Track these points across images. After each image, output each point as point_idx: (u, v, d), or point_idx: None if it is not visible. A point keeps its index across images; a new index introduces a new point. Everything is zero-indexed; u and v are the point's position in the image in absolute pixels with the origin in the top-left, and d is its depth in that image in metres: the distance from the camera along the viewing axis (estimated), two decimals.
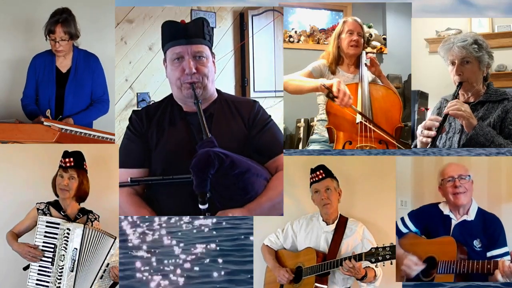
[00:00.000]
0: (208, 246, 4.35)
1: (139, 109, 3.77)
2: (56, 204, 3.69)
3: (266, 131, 3.62)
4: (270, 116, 3.69)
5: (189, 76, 3.48)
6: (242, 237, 4.36)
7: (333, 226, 3.76)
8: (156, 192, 3.56)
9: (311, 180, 3.79)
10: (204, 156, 3.30)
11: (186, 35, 3.49)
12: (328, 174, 3.77)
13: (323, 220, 3.80)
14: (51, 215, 3.65)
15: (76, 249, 3.57)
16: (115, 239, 3.68)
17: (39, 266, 3.59)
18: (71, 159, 3.65)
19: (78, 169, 3.67)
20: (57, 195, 3.70)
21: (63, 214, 3.67)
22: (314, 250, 3.73)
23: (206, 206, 3.29)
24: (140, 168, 3.58)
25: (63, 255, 3.56)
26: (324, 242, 3.76)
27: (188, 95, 3.51)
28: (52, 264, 3.58)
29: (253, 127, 3.60)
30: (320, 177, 3.75)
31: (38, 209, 3.66)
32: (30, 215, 3.68)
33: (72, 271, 3.57)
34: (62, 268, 3.56)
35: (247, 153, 3.55)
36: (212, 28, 3.65)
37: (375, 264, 3.57)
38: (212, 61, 3.59)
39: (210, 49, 3.58)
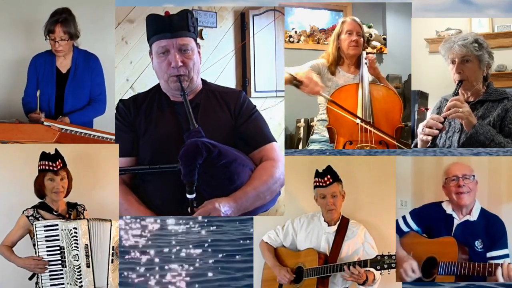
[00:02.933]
0: (208, 248, 4.36)
1: (126, 98, 3.79)
2: (43, 206, 3.63)
3: (252, 121, 3.65)
4: (255, 106, 3.73)
5: (175, 69, 3.52)
6: (243, 241, 4.37)
7: (334, 228, 3.75)
8: (143, 181, 3.58)
9: (317, 184, 3.74)
10: (192, 146, 3.34)
11: (171, 28, 3.52)
12: (335, 178, 3.73)
13: (325, 221, 3.79)
14: (43, 218, 3.60)
15: (87, 245, 3.57)
16: (110, 222, 3.66)
17: (50, 271, 3.57)
18: (60, 161, 3.62)
19: (65, 168, 3.65)
20: (41, 197, 3.64)
21: (56, 214, 3.63)
22: (315, 251, 3.72)
23: (194, 195, 3.33)
24: (128, 157, 3.62)
25: (77, 254, 3.55)
26: (325, 243, 3.75)
27: (175, 88, 3.56)
28: (63, 266, 3.57)
29: (239, 116, 3.64)
30: (328, 183, 3.71)
31: (28, 216, 3.59)
32: (21, 224, 3.61)
33: (88, 266, 3.57)
34: (79, 267, 3.56)
35: (233, 143, 3.58)
36: (197, 19, 3.66)
37: (380, 271, 3.58)
38: (198, 51, 3.61)
39: (195, 40, 3.61)
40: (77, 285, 3.54)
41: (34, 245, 3.58)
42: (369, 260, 3.57)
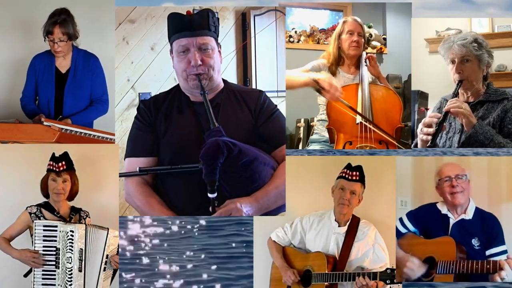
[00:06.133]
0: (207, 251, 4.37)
1: (147, 99, 3.79)
2: (47, 206, 3.66)
3: (272, 120, 3.63)
4: (276, 106, 3.71)
5: (195, 68, 3.50)
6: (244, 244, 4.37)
7: (345, 228, 3.70)
8: (164, 182, 3.57)
9: (343, 175, 3.69)
10: (213, 145, 3.32)
11: (191, 27, 3.50)
12: (362, 179, 3.70)
13: (335, 220, 3.74)
14: (44, 218, 3.62)
15: (82, 249, 3.58)
16: (107, 230, 3.67)
17: (43, 270, 3.60)
18: (63, 162, 3.64)
19: (69, 171, 3.67)
20: (46, 197, 3.67)
21: (57, 215, 3.65)
22: (324, 256, 3.67)
23: (215, 194, 3.31)
24: (149, 157, 3.59)
25: (70, 257, 3.57)
26: (334, 244, 3.70)
27: (194, 86, 3.54)
28: (57, 267, 3.58)
29: (259, 116, 3.62)
30: (354, 178, 3.67)
31: (30, 213, 3.62)
32: (21, 219, 3.64)
33: (80, 271, 3.58)
34: (71, 270, 3.57)
35: (254, 143, 3.56)
36: (218, 18, 3.65)
37: (389, 286, 3.57)
38: (218, 51, 3.60)
39: (216, 40, 3.59)
40: (67, 287, 3.56)
41: (32, 242, 3.60)
42: (379, 273, 3.54)
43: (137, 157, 3.58)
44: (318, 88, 4.07)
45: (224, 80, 3.70)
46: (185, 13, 3.56)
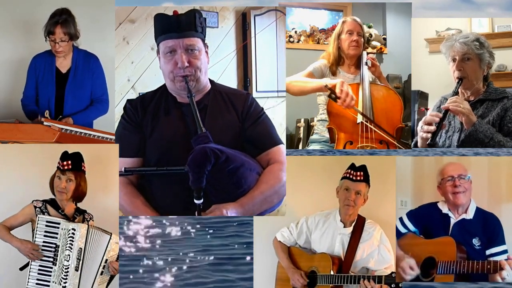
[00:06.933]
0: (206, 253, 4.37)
1: (134, 98, 3.78)
2: (53, 203, 3.66)
3: (259, 123, 3.64)
4: (263, 108, 3.71)
5: (181, 70, 3.51)
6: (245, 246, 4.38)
7: (350, 229, 3.70)
8: (149, 182, 3.57)
9: (347, 176, 3.69)
10: (201, 153, 3.33)
11: (178, 28, 3.50)
12: (366, 179, 3.69)
13: (340, 221, 3.74)
14: (48, 214, 3.63)
15: (81, 248, 3.58)
16: (110, 235, 3.68)
17: (40, 266, 3.60)
18: (69, 162, 3.63)
19: (75, 171, 3.65)
20: (54, 194, 3.68)
21: (61, 213, 3.65)
22: (329, 257, 3.67)
23: (201, 201, 3.33)
24: (135, 158, 3.60)
25: (69, 255, 3.57)
26: (339, 244, 3.70)
27: (181, 88, 3.54)
28: (54, 264, 3.58)
29: (246, 119, 3.63)
30: (359, 178, 3.66)
31: (35, 207, 3.63)
32: (26, 211, 3.64)
33: (77, 270, 3.58)
34: (68, 268, 3.57)
35: (240, 145, 3.57)
36: (205, 18, 3.63)
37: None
38: (205, 51, 3.60)
39: (203, 40, 3.59)
40: (61, 285, 3.56)
41: (32, 236, 3.60)
42: (384, 277, 3.55)
43: (122, 157, 3.60)
44: (334, 96, 4.05)
45: (211, 81, 3.70)
46: (171, 14, 3.56)
